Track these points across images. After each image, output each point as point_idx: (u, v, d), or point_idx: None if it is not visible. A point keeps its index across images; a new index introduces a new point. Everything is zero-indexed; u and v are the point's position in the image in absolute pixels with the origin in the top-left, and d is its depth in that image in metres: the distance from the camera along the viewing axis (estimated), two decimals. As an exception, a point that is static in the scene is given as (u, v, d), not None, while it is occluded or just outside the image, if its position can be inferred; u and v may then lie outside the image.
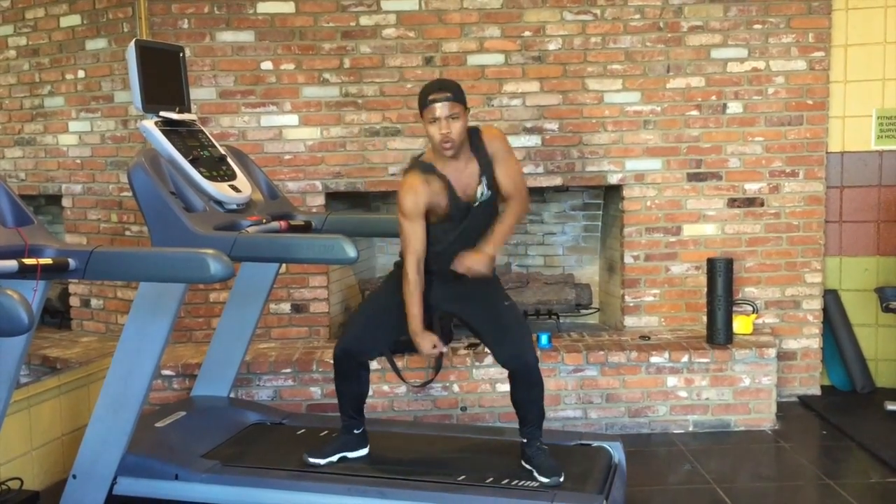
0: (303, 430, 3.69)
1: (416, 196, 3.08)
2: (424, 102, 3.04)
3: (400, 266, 3.21)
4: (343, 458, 3.33)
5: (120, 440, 3.13)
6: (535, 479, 3.11)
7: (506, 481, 3.09)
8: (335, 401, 4.20)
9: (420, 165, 3.14)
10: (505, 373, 4.24)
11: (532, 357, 3.17)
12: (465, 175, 3.13)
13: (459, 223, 3.15)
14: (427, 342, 3.17)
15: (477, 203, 3.15)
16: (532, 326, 4.90)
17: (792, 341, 4.77)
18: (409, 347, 4.27)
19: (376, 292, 3.43)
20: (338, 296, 4.88)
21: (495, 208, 3.22)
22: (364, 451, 3.39)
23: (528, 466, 3.17)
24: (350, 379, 3.34)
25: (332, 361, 3.38)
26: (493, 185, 3.17)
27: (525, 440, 3.22)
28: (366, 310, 3.48)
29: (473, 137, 3.16)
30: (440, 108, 3.00)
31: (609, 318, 5.03)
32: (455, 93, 3.05)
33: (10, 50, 5.04)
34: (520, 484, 3.08)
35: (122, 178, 4.65)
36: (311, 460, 3.30)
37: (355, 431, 3.38)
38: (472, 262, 3.12)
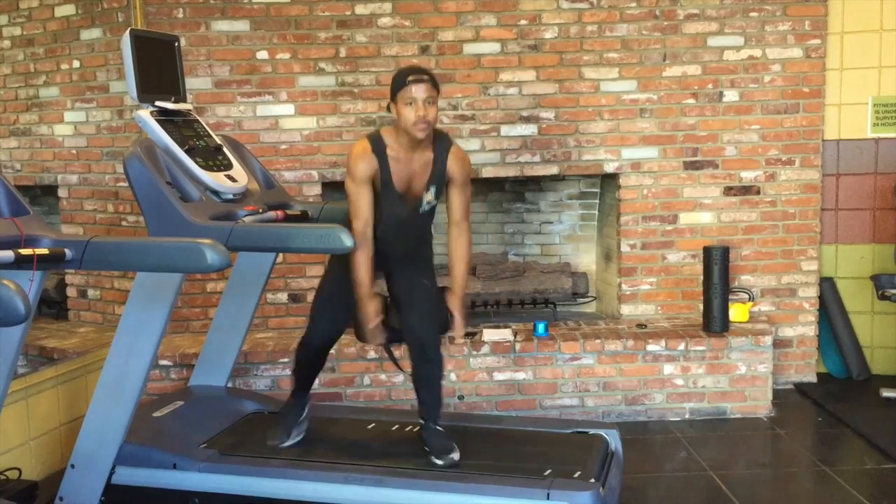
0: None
1: (365, 163, 3.09)
2: (402, 83, 3.03)
3: None
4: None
5: (118, 430, 3.13)
6: (432, 462, 3.15)
7: (504, 469, 3.10)
8: (332, 390, 4.26)
9: (373, 139, 3.14)
10: (502, 361, 4.29)
11: (428, 335, 3.20)
12: (414, 168, 3.14)
13: (391, 211, 3.16)
14: (372, 307, 3.15)
15: (422, 210, 3.20)
16: (529, 315, 4.93)
17: (788, 329, 4.79)
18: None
19: (325, 278, 3.41)
20: (335, 285, 4.88)
21: (432, 217, 3.29)
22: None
23: (426, 448, 3.21)
24: (314, 365, 3.46)
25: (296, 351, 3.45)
26: (438, 196, 3.21)
27: (421, 420, 3.27)
28: (321, 301, 3.37)
29: (442, 144, 3.18)
30: (418, 90, 3.00)
31: (606, 306, 5.04)
32: (433, 78, 3.07)
33: (5, 40, 5.01)
34: (426, 466, 3.13)
35: (118, 169, 4.64)
36: (274, 443, 3.36)
37: (306, 405, 3.47)
38: (458, 328, 3.25)
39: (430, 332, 3.22)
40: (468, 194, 3.27)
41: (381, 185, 3.12)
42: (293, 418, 3.43)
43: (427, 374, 3.24)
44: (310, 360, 3.43)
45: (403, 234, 3.23)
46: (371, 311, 3.16)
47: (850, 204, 4.86)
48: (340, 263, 3.19)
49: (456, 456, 3.15)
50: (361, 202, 3.11)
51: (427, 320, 3.22)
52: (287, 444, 3.36)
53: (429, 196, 3.18)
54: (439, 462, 3.14)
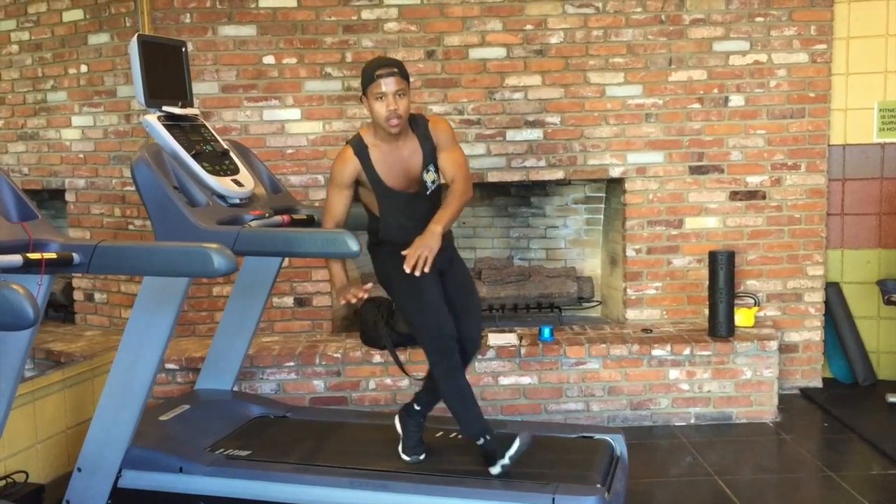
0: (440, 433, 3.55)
1: (345, 166, 3.09)
2: (370, 78, 3.01)
3: (379, 248, 3.22)
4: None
5: (125, 433, 3.14)
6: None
7: (509, 473, 3.10)
8: (338, 394, 4.26)
9: (354, 142, 3.13)
10: (508, 365, 4.29)
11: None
12: (403, 156, 3.13)
13: (392, 208, 3.14)
14: (350, 293, 3.09)
15: (428, 191, 3.17)
16: (534, 319, 4.94)
17: (794, 334, 4.78)
18: (412, 340, 4.31)
19: (399, 291, 3.15)
20: (340, 289, 4.89)
21: (439, 195, 3.21)
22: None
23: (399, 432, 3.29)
24: (460, 368, 3.14)
25: (431, 366, 3.15)
26: (437, 172, 3.18)
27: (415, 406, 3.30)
28: (416, 308, 3.14)
29: (420, 124, 3.16)
30: (387, 84, 2.99)
31: (611, 311, 5.04)
32: (401, 69, 3.05)
33: (13, 45, 5.05)
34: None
35: (125, 173, 4.66)
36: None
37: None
38: (419, 248, 2.92)
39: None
40: (459, 152, 3.19)
41: (372, 185, 3.11)
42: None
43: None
44: (454, 366, 3.11)
45: (417, 221, 3.10)
46: (350, 297, 3.09)
47: (856, 209, 4.85)
48: (394, 266, 3.04)
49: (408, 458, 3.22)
50: (334, 203, 3.14)
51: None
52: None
53: (430, 176, 3.16)
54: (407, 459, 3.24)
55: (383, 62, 3.06)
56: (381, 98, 3.00)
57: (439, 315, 3.09)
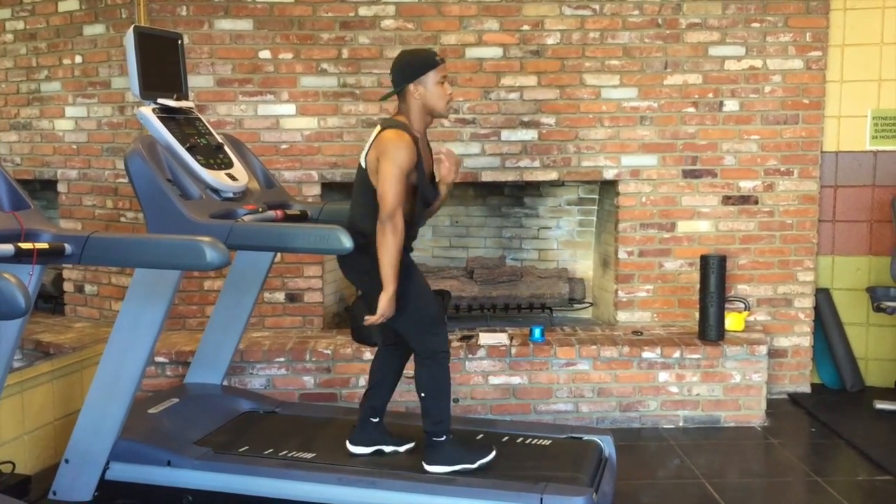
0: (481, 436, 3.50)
1: (412, 151, 2.97)
2: (432, 63, 2.99)
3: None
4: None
5: (113, 426, 3.14)
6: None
7: (497, 473, 3.11)
8: (328, 390, 4.26)
9: (407, 129, 3.01)
10: (498, 365, 4.30)
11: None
12: (427, 152, 3.16)
13: (422, 199, 3.12)
14: (392, 305, 2.99)
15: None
16: (525, 320, 4.94)
17: (783, 339, 4.80)
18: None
19: (412, 294, 3.10)
20: (332, 286, 4.89)
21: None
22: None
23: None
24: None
25: (433, 366, 3.12)
26: None
27: None
28: (427, 313, 3.14)
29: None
30: (446, 68, 3.01)
31: (602, 312, 5.05)
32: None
33: (8, 34, 5.02)
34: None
35: (118, 165, 4.65)
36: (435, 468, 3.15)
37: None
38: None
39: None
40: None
41: (418, 175, 3.04)
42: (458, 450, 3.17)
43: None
44: (447, 376, 3.14)
45: (421, 217, 3.23)
46: (391, 310, 3.01)
47: (848, 216, 4.88)
48: (415, 270, 3.15)
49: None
50: (403, 190, 2.97)
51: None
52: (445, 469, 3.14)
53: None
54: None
55: (431, 50, 3.08)
56: (443, 82, 3.00)
57: (439, 323, 3.15)
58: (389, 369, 3.35)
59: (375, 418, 3.32)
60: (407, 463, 3.22)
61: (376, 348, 3.44)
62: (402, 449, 3.31)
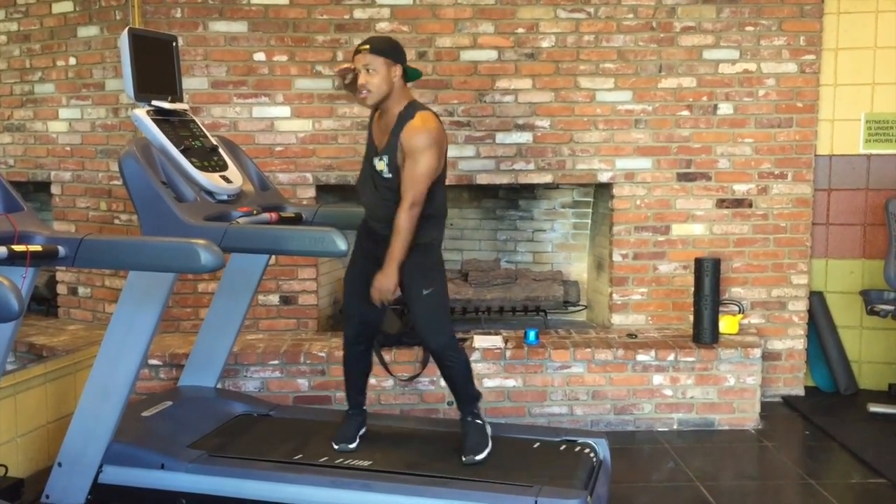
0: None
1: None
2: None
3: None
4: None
5: (106, 429, 3.13)
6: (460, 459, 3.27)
7: (492, 476, 3.11)
8: (322, 393, 4.25)
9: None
10: (492, 368, 4.30)
11: (434, 343, 3.32)
12: (381, 136, 3.25)
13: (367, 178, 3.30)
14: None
15: (379, 173, 3.24)
16: (520, 322, 4.94)
17: (777, 342, 4.81)
18: (397, 341, 4.30)
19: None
20: (326, 288, 4.88)
21: (394, 193, 3.20)
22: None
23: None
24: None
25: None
26: (393, 170, 3.20)
27: (460, 414, 3.42)
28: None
29: (406, 114, 3.19)
30: (358, 58, 3.16)
31: (597, 315, 5.05)
32: (376, 46, 3.15)
33: (1, 35, 5.01)
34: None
35: (112, 167, 4.64)
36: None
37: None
38: (377, 291, 3.21)
39: (435, 340, 3.32)
40: (411, 168, 3.14)
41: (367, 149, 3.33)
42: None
43: (448, 376, 3.40)
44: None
45: (369, 207, 3.43)
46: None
47: (841, 219, 4.89)
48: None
49: (477, 457, 3.24)
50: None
51: (431, 331, 3.33)
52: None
53: (382, 164, 3.22)
54: (462, 458, 3.25)
55: (366, 40, 3.22)
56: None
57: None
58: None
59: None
60: (401, 465, 3.22)
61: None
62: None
